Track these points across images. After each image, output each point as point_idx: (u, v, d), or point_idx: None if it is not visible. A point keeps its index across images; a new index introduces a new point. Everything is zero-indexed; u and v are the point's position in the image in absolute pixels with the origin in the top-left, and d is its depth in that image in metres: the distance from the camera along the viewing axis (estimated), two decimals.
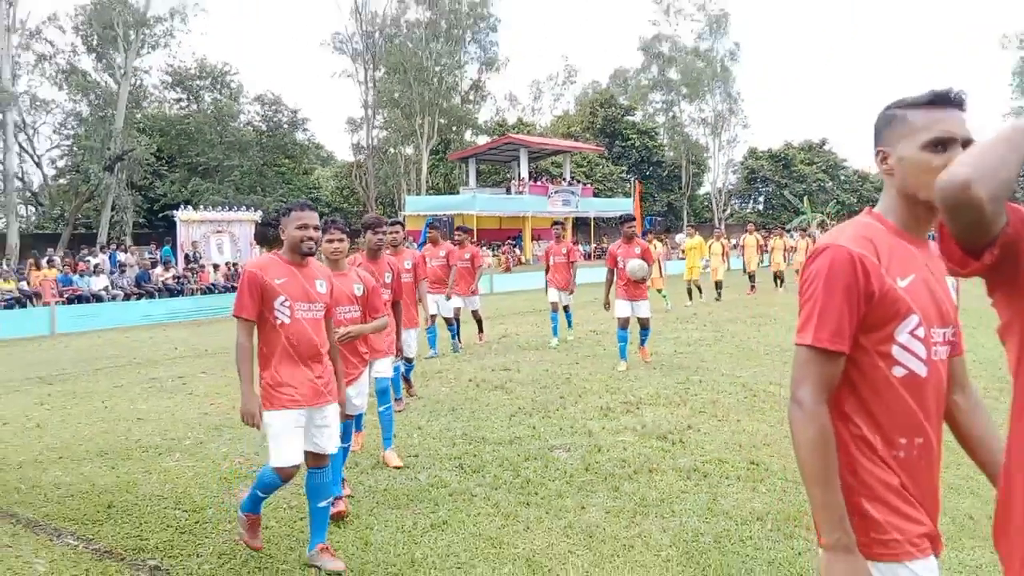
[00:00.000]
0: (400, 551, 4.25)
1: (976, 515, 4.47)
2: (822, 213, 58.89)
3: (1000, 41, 78.43)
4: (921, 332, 1.84)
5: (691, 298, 18.94)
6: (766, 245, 24.66)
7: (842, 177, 72.34)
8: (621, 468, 5.63)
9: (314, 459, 4.17)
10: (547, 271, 12.36)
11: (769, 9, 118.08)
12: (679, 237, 21.43)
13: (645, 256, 9.75)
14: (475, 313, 12.14)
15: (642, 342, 10.21)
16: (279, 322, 4.01)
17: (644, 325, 10.07)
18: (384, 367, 5.89)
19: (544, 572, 3.94)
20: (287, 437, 4.00)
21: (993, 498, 1.85)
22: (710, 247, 20.36)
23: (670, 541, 4.23)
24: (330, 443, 4.20)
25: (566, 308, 12.39)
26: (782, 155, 69.11)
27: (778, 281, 22.43)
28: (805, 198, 62.07)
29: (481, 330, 12.50)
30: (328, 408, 4.18)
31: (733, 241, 35.16)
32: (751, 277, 21.78)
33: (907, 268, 1.87)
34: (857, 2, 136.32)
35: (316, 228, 4.09)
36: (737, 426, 6.74)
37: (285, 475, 4.01)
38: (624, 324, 9.86)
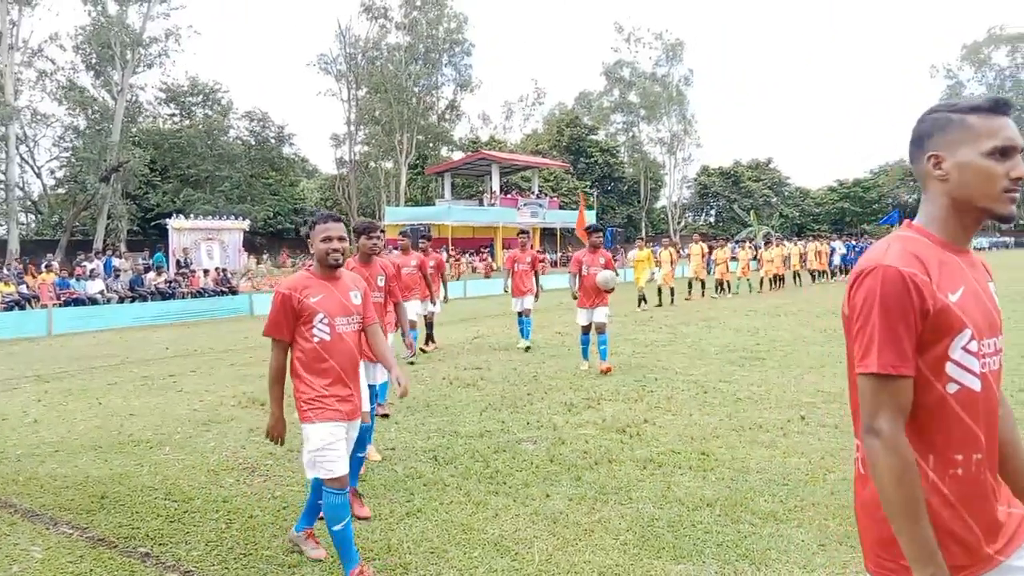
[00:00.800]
0: (376, 537, 4.23)
1: None
2: (767, 226, 59.63)
3: (928, 71, 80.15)
4: (974, 346, 1.67)
5: (639, 305, 19.13)
6: (711, 255, 24.99)
7: (785, 193, 73.43)
8: (583, 459, 5.64)
9: None
10: (510, 276, 12.02)
11: (721, 38, 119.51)
12: (631, 253, 21.57)
13: (607, 265, 9.55)
14: (430, 316, 11.82)
15: (602, 356, 9.53)
16: (317, 340, 3.67)
17: (600, 330, 9.54)
18: (379, 373, 5.60)
19: (511, 555, 3.94)
20: (333, 448, 3.65)
21: None
22: (659, 255, 20.52)
23: (627, 526, 4.24)
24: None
25: (527, 313, 11.88)
26: (732, 172, 69.96)
27: (720, 288, 22.87)
28: (752, 212, 62.79)
29: (431, 338, 12.14)
30: (356, 424, 3.92)
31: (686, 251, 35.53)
32: (690, 284, 22.24)
33: (956, 281, 1.69)
34: (802, 33, 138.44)
35: (342, 239, 3.73)
36: (689, 420, 6.79)
37: (341, 485, 3.62)
38: (586, 330, 9.67)
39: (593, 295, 9.49)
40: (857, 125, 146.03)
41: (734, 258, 24.77)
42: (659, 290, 20.10)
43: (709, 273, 24.74)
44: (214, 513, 4.68)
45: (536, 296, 11.97)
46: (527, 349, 11.60)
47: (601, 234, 9.98)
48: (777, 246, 25.18)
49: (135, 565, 3.94)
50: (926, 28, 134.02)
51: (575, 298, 9.79)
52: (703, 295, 22.03)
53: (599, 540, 4.11)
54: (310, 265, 4.11)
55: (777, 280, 24.75)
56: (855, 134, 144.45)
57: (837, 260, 30.51)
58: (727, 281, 23.37)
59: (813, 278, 27.99)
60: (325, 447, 3.62)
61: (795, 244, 27.91)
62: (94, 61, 40.37)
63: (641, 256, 19.52)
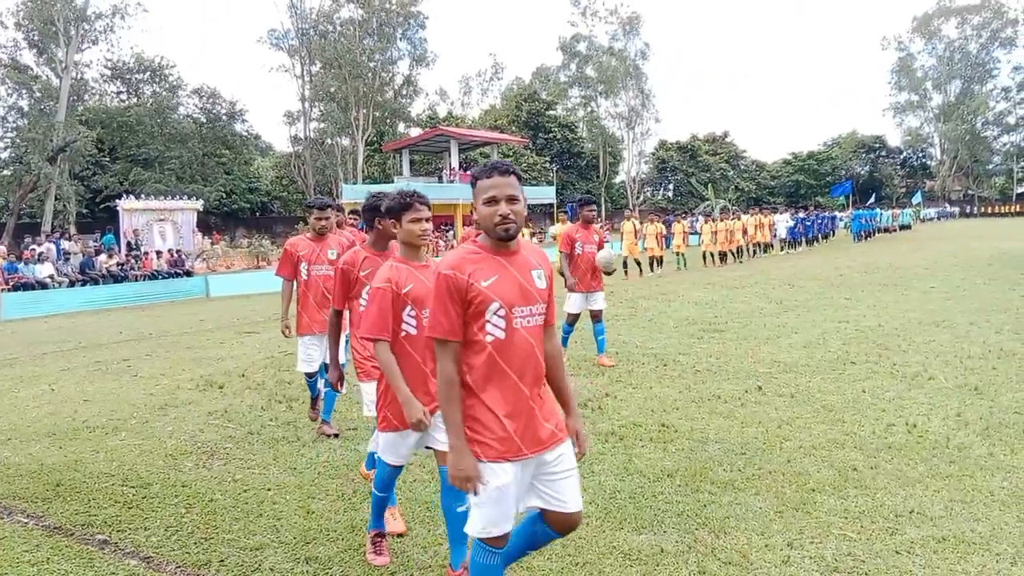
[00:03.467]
0: (341, 518, 4.22)
1: (859, 467, 4.66)
2: (724, 199, 60.27)
3: (880, 43, 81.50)
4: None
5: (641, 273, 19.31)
6: (670, 230, 24.98)
7: (742, 166, 74.27)
8: None
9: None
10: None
11: (677, 12, 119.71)
12: (557, 225, 20.49)
13: (601, 244, 8.35)
14: None
15: (600, 347, 8.45)
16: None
17: (596, 318, 8.37)
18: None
19: None
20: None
21: (875, 451, 1.90)
22: (622, 227, 20.56)
23: (590, 499, 4.29)
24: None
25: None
26: (689, 146, 70.47)
27: (654, 264, 22.25)
28: (709, 185, 63.37)
29: None
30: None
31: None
32: (624, 263, 21.11)
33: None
34: (756, 6, 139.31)
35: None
36: (649, 393, 6.88)
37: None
38: (573, 320, 8.48)
39: (588, 278, 8.29)
40: (811, 98, 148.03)
41: (695, 232, 24.81)
42: (624, 261, 20.06)
43: (668, 247, 24.84)
44: (173, 498, 4.62)
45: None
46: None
47: (594, 206, 8.61)
48: (722, 220, 25.15)
49: (93, 552, 3.89)
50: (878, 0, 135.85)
51: (571, 289, 8.32)
52: (640, 274, 21.23)
53: None
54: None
55: (723, 255, 24.36)
56: (809, 107, 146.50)
57: (783, 232, 30.37)
58: (683, 254, 23.54)
59: (753, 252, 26.81)
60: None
61: (738, 218, 27.05)
62: (36, 38, 38.98)
63: (562, 231, 18.01)
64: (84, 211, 42.68)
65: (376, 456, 3.62)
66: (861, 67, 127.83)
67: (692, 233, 24.72)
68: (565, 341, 8.47)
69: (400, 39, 54.48)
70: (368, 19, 51.49)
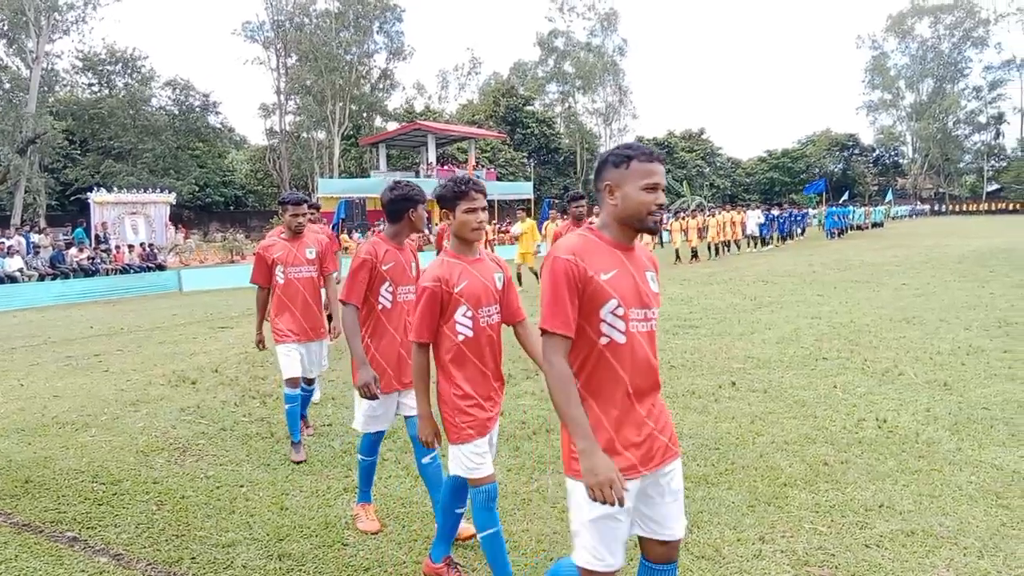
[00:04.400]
0: (314, 514, 4.20)
1: (830, 461, 4.72)
2: (700, 196, 60.65)
3: (855, 41, 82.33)
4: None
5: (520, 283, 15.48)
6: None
7: (717, 163, 74.67)
8: (521, 429, 5.70)
9: None
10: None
11: (655, 8, 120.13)
12: (515, 227, 16.89)
13: None
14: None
15: None
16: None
17: None
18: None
19: None
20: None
21: (846, 446, 1.93)
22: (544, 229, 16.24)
23: (564, 494, 4.27)
24: None
25: None
26: (665, 143, 70.72)
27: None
28: (685, 182, 63.70)
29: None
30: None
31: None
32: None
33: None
34: (733, 3, 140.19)
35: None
36: None
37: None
38: None
39: None
40: (786, 96, 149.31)
41: (666, 229, 24.85)
42: (532, 271, 16.57)
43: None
44: (144, 495, 4.57)
45: None
46: None
47: (583, 201, 8.06)
48: (693, 217, 25.15)
49: (62, 550, 3.84)
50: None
51: None
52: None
53: (537, 509, 4.17)
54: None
55: (691, 252, 24.34)
56: (784, 105, 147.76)
57: (753, 229, 29.83)
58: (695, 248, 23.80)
59: (719, 250, 25.71)
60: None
61: (706, 215, 26.70)
62: (6, 28, 38.25)
63: (525, 228, 16.45)
64: (54, 204, 42.02)
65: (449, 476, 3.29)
66: (835, 66, 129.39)
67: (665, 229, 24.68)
68: None
69: (377, 32, 54.26)
70: (344, 11, 51.16)
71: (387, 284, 3.82)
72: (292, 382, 5.23)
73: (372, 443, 3.98)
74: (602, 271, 2.29)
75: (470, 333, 3.09)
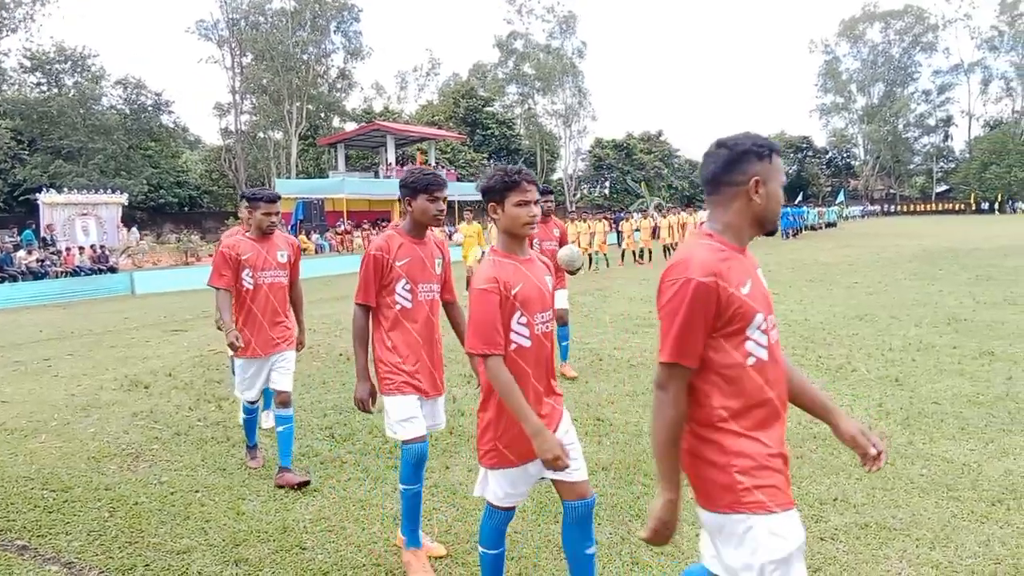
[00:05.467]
0: (272, 518, 4.14)
1: None
2: (658, 196, 61.25)
3: (808, 46, 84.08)
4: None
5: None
6: (615, 227, 24.74)
7: (675, 165, 75.42)
8: None
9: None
10: None
11: (613, 11, 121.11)
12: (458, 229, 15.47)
13: (563, 239, 7.38)
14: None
15: (563, 355, 7.55)
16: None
17: (563, 320, 7.39)
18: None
19: None
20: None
21: (801, 441, 1.93)
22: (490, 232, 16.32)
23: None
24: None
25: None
26: (624, 144, 71.25)
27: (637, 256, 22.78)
28: (644, 183, 64.24)
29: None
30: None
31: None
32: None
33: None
34: (689, 7, 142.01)
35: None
36: (585, 387, 6.94)
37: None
38: None
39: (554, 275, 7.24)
40: (741, 99, 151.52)
41: (637, 229, 24.80)
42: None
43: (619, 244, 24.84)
44: (96, 502, 4.46)
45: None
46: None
47: (550, 197, 7.64)
48: (646, 218, 25.08)
49: (11, 558, 3.73)
50: (806, 3, 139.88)
51: None
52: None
53: (535, 511, 4.15)
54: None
55: (645, 252, 24.31)
56: (740, 108, 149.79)
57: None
58: (634, 251, 23.79)
59: (666, 252, 24.87)
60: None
61: (656, 216, 26.23)
62: None
63: (470, 231, 16.27)
64: (1, 205, 40.85)
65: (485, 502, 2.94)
66: (789, 69, 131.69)
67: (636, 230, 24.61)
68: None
69: (334, 32, 53.80)
70: (301, 10, 50.61)
71: (404, 282, 3.55)
72: (250, 403, 4.94)
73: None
74: (740, 284, 2.03)
75: (527, 343, 2.74)
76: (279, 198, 4.92)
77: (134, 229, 34.00)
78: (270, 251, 4.86)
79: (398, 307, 3.53)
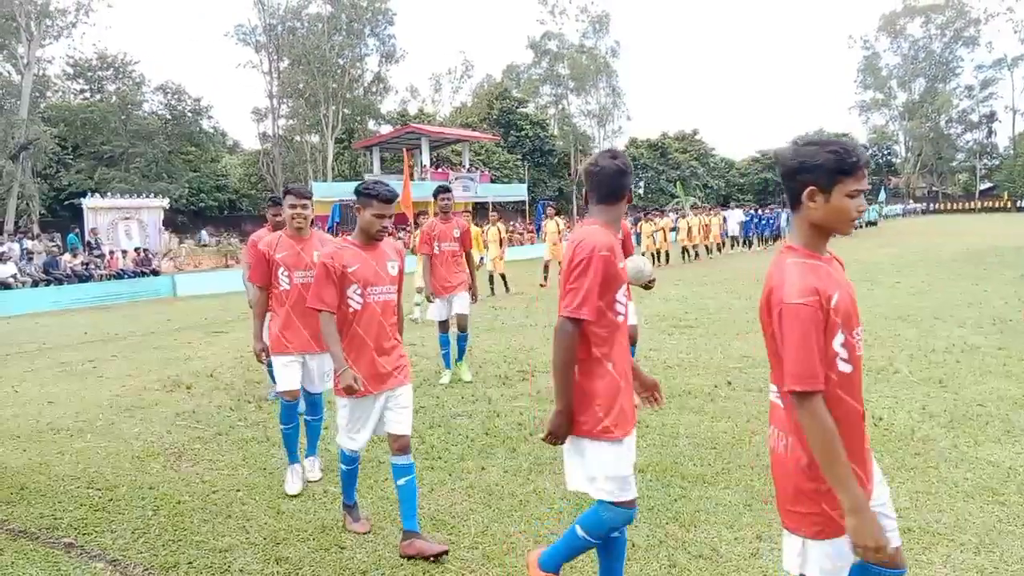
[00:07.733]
0: (311, 518, 4.20)
1: None
2: (694, 196, 60.76)
3: (847, 42, 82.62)
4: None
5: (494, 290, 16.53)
6: (638, 228, 24.17)
7: (711, 164, 74.76)
8: (517, 431, 5.70)
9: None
10: (429, 264, 7.42)
11: (647, 9, 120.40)
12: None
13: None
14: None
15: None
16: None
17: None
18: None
19: (447, 529, 3.96)
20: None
21: None
22: (486, 235, 16.85)
23: (562, 495, 4.31)
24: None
25: (462, 325, 7.63)
26: (659, 144, 70.79)
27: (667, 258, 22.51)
28: (678, 183, 63.78)
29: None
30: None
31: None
32: (545, 267, 17.92)
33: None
34: (725, 3, 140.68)
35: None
36: None
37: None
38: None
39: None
40: (779, 96, 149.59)
41: (674, 228, 24.42)
42: (490, 277, 16.70)
43: (638, 244, 24.56)
44: (140, 500, 4.56)
45: (474, 295, 7.72)
46: (460, 381, 7.55)
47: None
48: (662, 217, 24.29)
49: (58, 556, 3.83)
50: None
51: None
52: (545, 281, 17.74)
53: (534, 510, 4.17)
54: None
55: (663, 255, 23.43)
56: (777, 105, 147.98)
57: (735, 229, 29.20)
58: (666, 251, 23.35)
59: (686, 255, 24.57)
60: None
61: (679, 217, 25.75)
62: None
63: (552, 227, 16.69)
64: (46, 211, 41.90)
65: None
66: (827, 66, 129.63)
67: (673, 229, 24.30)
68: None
69: (369, 35, 54.21)
70: (337, 15, 51.14)
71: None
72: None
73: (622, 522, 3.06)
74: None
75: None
76: (396, 196, 3.88)
77: (166, 232, 34.54)
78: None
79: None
